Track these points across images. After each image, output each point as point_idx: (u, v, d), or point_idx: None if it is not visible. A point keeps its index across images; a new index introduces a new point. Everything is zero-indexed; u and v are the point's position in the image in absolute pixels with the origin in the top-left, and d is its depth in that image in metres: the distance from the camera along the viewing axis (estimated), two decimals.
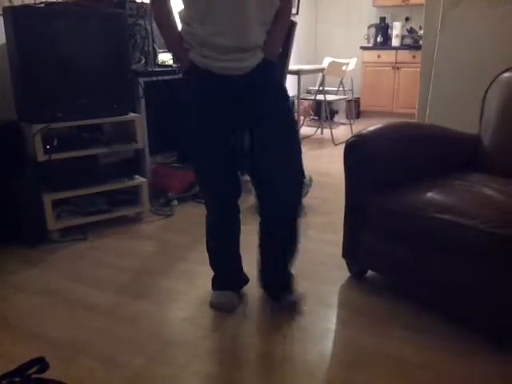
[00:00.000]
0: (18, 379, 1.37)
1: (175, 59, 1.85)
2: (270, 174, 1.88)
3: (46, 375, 1.43)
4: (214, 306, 2.09)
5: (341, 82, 5.59)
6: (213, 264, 2.15)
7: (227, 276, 2.17)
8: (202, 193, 2.12)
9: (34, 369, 1.41)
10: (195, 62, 1.76)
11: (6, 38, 2.66)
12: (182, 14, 1.78)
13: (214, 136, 1.85)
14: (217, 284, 2.16)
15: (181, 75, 1.93)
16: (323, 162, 4.58)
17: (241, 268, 2.16)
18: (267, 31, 1.80)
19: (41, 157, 2.62)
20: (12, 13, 2.51)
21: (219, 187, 1.96)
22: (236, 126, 1.85)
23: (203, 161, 1.91)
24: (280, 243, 2.02)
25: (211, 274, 2.36)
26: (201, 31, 1.71)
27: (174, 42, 1.82)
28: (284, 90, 1.91)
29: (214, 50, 1.71)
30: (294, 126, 1.98)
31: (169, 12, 1.80)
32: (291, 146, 1.88)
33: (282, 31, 1.87)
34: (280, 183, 1.87)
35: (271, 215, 1.97)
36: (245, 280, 2.18)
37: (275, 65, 1.87)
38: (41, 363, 1.43)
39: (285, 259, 2.05)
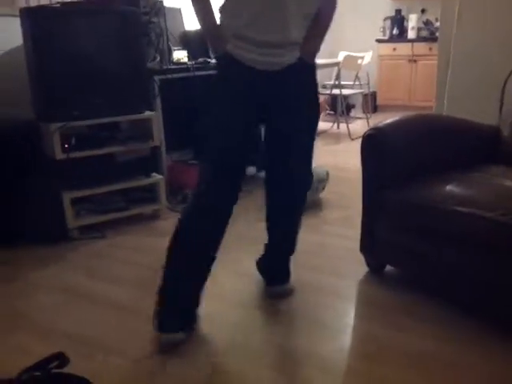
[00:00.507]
0: (38, 373, 1.39)
1: (210, 46, 1.90)
2: (288, 167, 1.90)
3: (66, 371, 1.44)
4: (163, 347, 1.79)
5: (356, 76, 5.54)
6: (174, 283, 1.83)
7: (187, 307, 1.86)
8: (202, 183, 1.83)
9: (54, 363, 1.43)
10: (229, 51, 1.71)
11: (23, 38, 2.69)
12: (220, 7, 1.75)
13: (234, 126, 1.75)
14: (169, 322, 1.81)
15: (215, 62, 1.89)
16: (340, 156, 4.55)
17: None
18: (308, 27, 1.72)
19: (59, 155, 2.65)
20: (28, 14, 2.54)
21: (226, 180, 1.79)
22: (259, 119, 1.83)
23: (218, 141, 1.78)
24: (284, 231, 2.09)
25: (227, 269, 2.37)
26: (235, 22, 1.67)
27: (210, 26, 1.76)
28: (317, 98, 1.88)
29: (247, 42, 1.67)
30: (315, 135, 1.96)
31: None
32: (309, 149, 1.93)
33: (324, 29, 1.78)
34: (295, 176, 1.92)
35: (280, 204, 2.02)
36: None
37: (312, 67, 1.81)
38: (61, 358, 1.45)
39: (288, 247, 2.10)
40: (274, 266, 2.18)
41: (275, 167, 1.95)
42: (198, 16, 1.78)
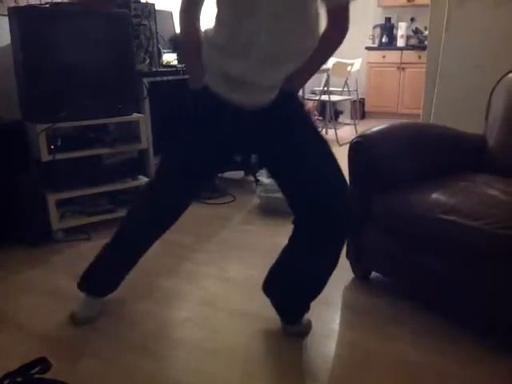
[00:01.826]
0: (20, 379, 1.37)
1: (189, 75, 1.71)
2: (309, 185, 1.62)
3: (49, 375, 1.43)
4: (79, 319, 1.95)
5: (345, 83, 5.58)
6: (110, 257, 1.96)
7: (117, 277, 1.99)
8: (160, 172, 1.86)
9: (37, 369, 1.41)
10: (211, 87, 1.58)
11: (11, 37, 2.67)
12: (209, 34, 1.58)
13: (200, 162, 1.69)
14: (96, 286, 2.00)
15: (188, 90, 1.69)
16: None
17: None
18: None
19: (45, 157, 2.62)
20: (17, 13, 2.52)
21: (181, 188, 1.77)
22: (244, 152, 1.74)
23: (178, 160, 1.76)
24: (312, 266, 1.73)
25: (215, 274, 2.36)
26: (220, 57, 1.54)
27: (192, 53, 1.62)
28: (308, 119, 1.73)
29: (232, 81, 1.53)
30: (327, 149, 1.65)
31: (197, 20, 1.60)
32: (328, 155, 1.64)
33: (319, 64, 1.65)
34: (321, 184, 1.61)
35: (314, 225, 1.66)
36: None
37: (294, 96, 1.68)
38: (43, 363, 1.43)
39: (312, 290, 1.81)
40: (289, 303, 1.88)
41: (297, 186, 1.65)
42: (185, 37, 1.67)
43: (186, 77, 3.00)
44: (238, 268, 2.43)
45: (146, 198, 1.93)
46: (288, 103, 1.63)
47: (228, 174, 3.86)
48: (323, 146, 1.65)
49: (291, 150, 1.62)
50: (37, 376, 1.40)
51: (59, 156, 2.66)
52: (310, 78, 1.69)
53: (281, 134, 1.62)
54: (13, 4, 2.84)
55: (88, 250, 2.65)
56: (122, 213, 2.96)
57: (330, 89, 5.36)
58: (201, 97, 1.63)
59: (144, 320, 2.00)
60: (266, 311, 2.05)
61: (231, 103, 1.56)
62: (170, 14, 3.83)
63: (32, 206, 2.66)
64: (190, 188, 1.81)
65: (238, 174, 3.93)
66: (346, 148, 2.14)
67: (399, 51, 6.32)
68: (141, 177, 3.08)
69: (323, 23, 1.60)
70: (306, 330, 1.89)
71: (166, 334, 1.91)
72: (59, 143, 2.68)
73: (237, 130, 1.62)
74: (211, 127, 1.64)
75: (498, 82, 2.38)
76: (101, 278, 2.00)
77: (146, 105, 3.15)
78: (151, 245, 1.90)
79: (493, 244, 1.67)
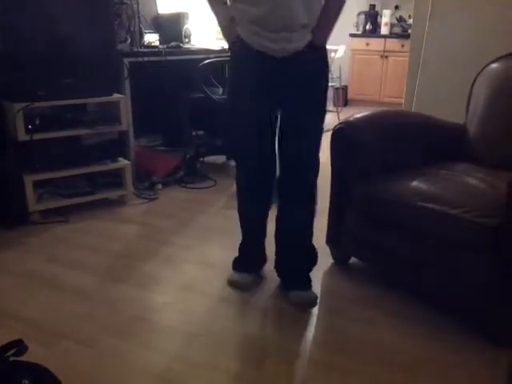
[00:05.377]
0: None
1: (223, 33, 1.95)
2: (291, 151, 1.92)
3: (25, 358, 1.40)
4: (230, 284, 2.13)
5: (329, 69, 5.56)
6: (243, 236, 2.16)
7: (248, 255, 2.18)
8: (236, 156, 2.17)
9: (12, 351, 1.38)
10: (241, 36, 1.77)
11: None
12: None
13: (251, 108, 1.87)
14: (237, 264, 2.18)
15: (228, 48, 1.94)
16: None
17: (263, 247, 2.19)
18: (315, 11, 1.76)
19: (22, 136, 2.56)
20: None
21: (253, 158, 1.96)
22: (271, 102, 1.86)
23: (240, 127, 1.95)
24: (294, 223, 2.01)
25: (194, 259, 2.36)
26: (247, 7, 1.72)
27: (222, 14, 1.86)
28: (324, 83, 1.93)
29: (259, 26, 1.71)
30: (321, 120, 1.95)
31: None
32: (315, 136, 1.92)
33: (333, 12, 1.81)
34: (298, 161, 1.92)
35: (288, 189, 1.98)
36: (264, 260, 2.22)
37: (322, 51, 1.85)
38: (19, 345, 1.40)
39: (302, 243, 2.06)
40: (290, 267, 2.11)
41: (284, 151, 1.94)
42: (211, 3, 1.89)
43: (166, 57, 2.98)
44: (218, 252, 2.42)
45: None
46: (310, 65, 1.80)
47: (210, 159, 3.83)
48: (314, 121, 1.89)
49: (289, 109, 1.85)
50: (12, 358, 1.38)
51: (37, 136, 2.60)
52: (329, 29, 1.85)
53: (292, 87, 1.80)
54: None
55: (65, 233, 2.63)
56: (100, 195, 2.94)
57: None
58: (235, 46, 1.83)
59: (123, 304, 1.98)
60: (245, 295, 2.06)
61: (258, 50, 1.74)
62: None
63: (8, 187, 2.61)
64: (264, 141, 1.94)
65: (220, 159, 3.91)
66: (329, 134, 2.13)
67: (383, 39, 6.32)
68: (121, 159, 3.03)
69: None
70: (314, 297, 2.01)
71: (145, 318, 1.90)
72: (37, 123, 2.62)
73: (264, 74, 1.78)
74: (249, 75, 1.81)
75: (480, 72, 2.40)
76: None
77: (127, 85, 3.10)
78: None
79: (471, 232, 1.69)
